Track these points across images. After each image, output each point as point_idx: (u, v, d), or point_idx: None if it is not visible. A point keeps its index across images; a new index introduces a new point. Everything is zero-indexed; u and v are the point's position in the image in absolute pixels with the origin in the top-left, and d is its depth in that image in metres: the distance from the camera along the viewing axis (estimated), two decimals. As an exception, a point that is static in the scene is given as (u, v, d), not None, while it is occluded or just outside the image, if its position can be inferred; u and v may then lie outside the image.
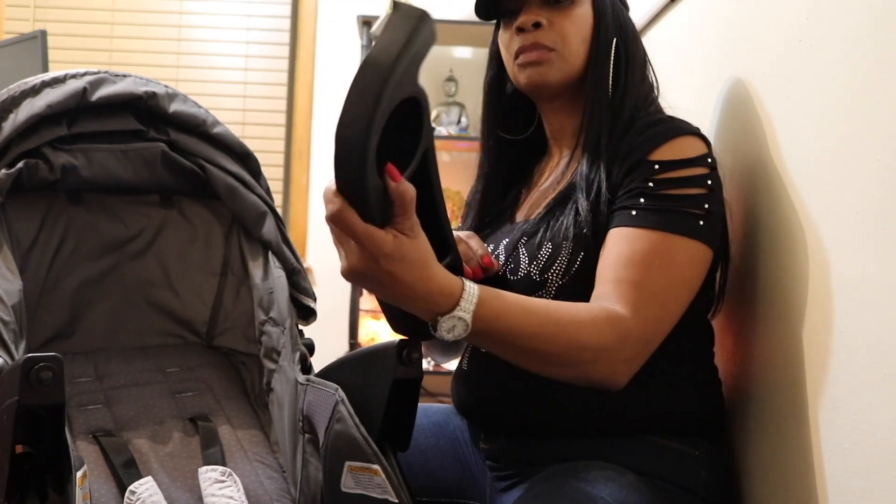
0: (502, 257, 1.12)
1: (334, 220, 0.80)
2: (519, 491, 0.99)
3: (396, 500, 0.93)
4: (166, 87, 1.22)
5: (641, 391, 1.03)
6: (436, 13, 3.88)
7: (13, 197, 1.14)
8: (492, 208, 1.24)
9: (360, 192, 0.79)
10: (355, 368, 1.05)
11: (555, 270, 1.04)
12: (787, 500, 1.05)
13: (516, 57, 1.15)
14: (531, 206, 1.18)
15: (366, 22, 3.36)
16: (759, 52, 1.21)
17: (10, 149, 1.11)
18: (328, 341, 1.94)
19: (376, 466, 0.94)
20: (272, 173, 3.58)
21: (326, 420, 1.02)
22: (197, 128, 1.22)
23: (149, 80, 1.21)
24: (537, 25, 1.12)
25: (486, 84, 1.24)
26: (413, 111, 0.83)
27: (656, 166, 1.02)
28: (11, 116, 1.11)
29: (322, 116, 3.62)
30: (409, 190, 0.81)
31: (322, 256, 3.64)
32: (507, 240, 1.14)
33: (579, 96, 1.14)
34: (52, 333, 1.22)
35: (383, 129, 0.77)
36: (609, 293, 0.97)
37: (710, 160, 1.05)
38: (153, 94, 1.19)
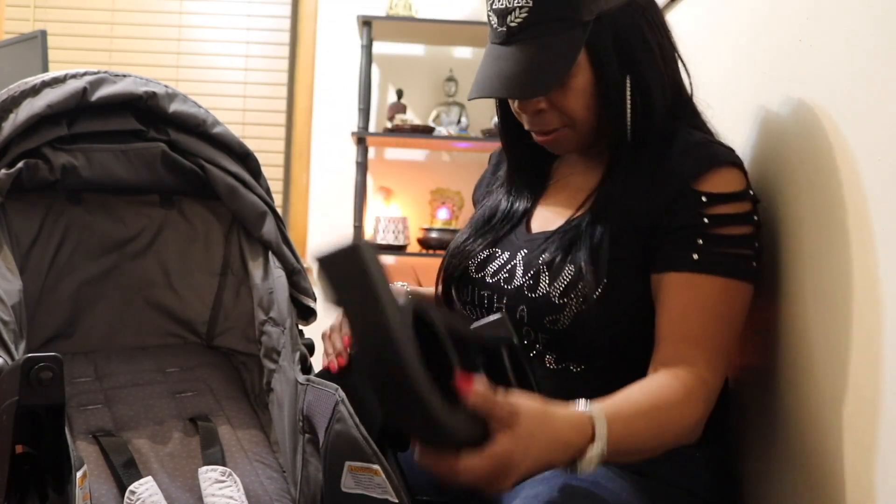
0: (520, 270, 1.07)
1: (464, 481, 0.74)
2: (520, 491, 0.99)
3: (396, 501, 0.93)
4: (166, 87, 1.22)
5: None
6: (436, 13, 3.89)
7: (13, 197, 1.14)
8: (502, 208, 1.17)
9: (447, 434, 0.71)
10: (355, 368, 1.05)
11: (576, 295, 1.00)
12: (784, 501, 1.05)
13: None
14: (551, 215, 1.13)
15: (366, 22, 3.36)
16: (760, 52, 1.21)
17: (10, 149, 1.11)
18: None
19: (376, 466, 0.94)
20: (272, 173, 3.58)
21: (326, 420, 1.02)
22: (197, 128, 1.22)
23: (149, 80, 1.21)
24: (540, 114, 1.05)
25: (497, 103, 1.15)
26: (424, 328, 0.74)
27: (703, 198, 0.99)
28: (11, 116, 1.11)
29: (322, 116, 3.62)
30: (487, 394, 0.74)
31: (322, 256, 3.63)
32: (525, 251, 1.09)
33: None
34: (52, 333, 1.22)
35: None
36: (691, 354, 0.97)
37: (751, 193, 1.03)
38: (153, 94, 1.19)
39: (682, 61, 1.12)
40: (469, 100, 1.11)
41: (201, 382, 1.26)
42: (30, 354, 0.77)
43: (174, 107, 1.21)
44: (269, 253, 1.25)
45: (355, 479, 0.97)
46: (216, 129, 1.24)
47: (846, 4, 0.96)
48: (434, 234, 3.41)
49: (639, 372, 1.01)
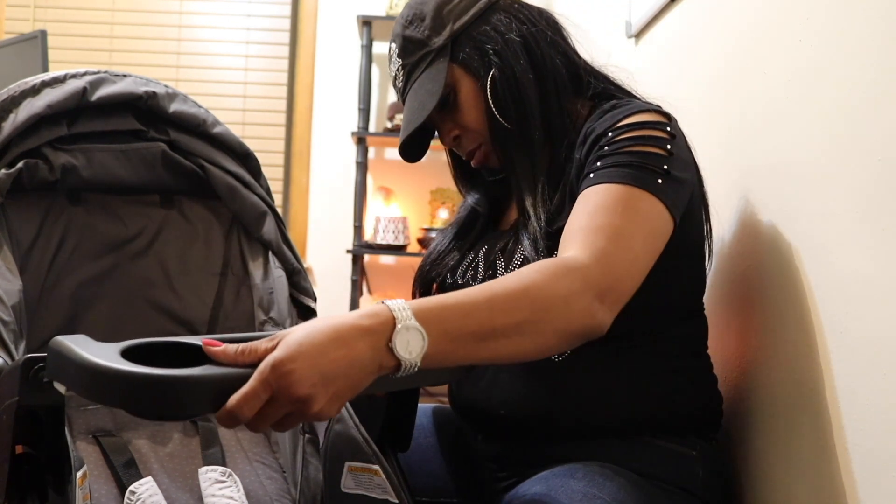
0: (482, 264, 1.11)
1: (248, 412, 0.70)
2: (518, 491, 0.99)
3: (396, 501, 0.93)
4: (166, 86, 1.22)
5: (636, 391, 1.03)
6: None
7: (13, 197, 1.14)
8: (473, 215, 1.22)
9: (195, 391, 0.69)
10: None
11: None
12: (788, 501, 1.05)
13: None
14: (514, 213, 1.16)
15: (366, 22, 3.36)
16: (760, 52, 1.21)
17: (9, 149, 1.11)
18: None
19: (376, 467, 0.94)
20: (272, 173, 3.58)
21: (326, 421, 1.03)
22: (197, 127, 1.22)
23: (149, 79, 1.21)
24: (457, 139, 1.14)
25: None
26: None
27: (609, 133, 1.01)
28: (11, 116, 1.11)
29: (322, 116, 3.62)
30: (236, 345, 0.73)
31: (322, 256, 3.64)
32: (486, 246, 1.13)
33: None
34: (51, 333, 1.21)
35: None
36: (566, 247, 0.92)
37: (669, 129, 1.02)
38: (153, 94, 1.19)
39: (566, 43, 1.16)
40: (409, 161, 1.19)
41: (201, 382, 1.25)
42: (30, 355, 0.77)
43: (174, 107, 1.21)
44: (270, 253, 1.25)
45: (355, 480, 0.97)
46: (216, 129, 1.24)
47: (846, 4, 0.96)
48: (434, 234, 3.42)
49: (629, 354, 1.01)
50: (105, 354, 0.70)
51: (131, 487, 1.04)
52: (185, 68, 3.62)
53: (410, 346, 0.75)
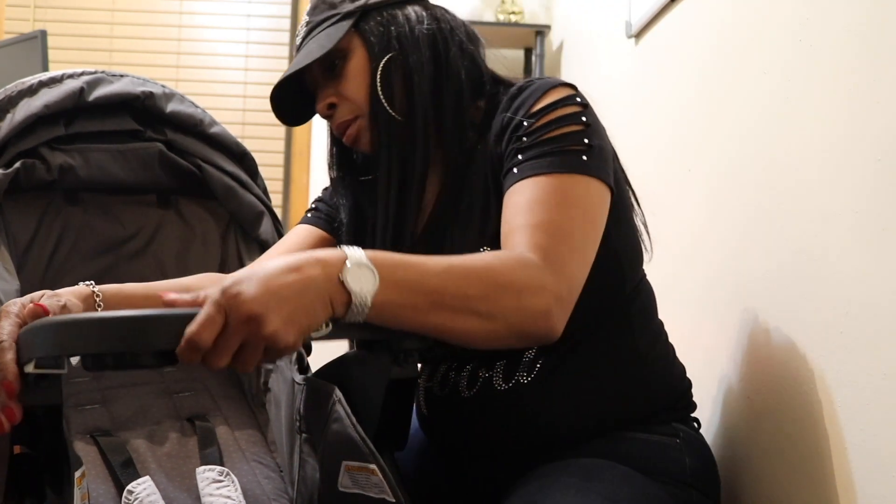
0: None
1: (203, 338, 0.69)
2: (513, 487, 0.99)
3: (393, 500, 0.92)
4: (163, 86, 1.22)
5: (603, 388, 1.01)
6: (436, 13, 3.81)
7: (10, 197, 1.14)
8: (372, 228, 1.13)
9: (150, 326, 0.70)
10: (352, 368, 1.05)
11: None
12: (785, 501, 1.05)
13: None
14: (427, 218, 1.11)
15: (366, 22, 3.36)
16: (760, 52, 1.20)
17: (7, 149, 1.11)
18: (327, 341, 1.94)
19: (373, 466, 0.94)
20: (272, 173, 3.58)
21: (324, 419, 1.02)
22: (194, 127, 1.22)
23: (146, 79, 1.21)
24: (332, 107, 1.09)
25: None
26: None
27: (525, 122, 0.99)
28: (9, 116, 1.11)
29: (322, 116, 3.62)
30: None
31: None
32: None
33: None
34: (49, 333, 1.21)
35: None
36: (510, 245, 0.90)
37: (578, 99, 1.01)
38: (150, 94, 1.19)
39: (476, 52, 1.13)
40: (278, 117, 1.15)
41: (198, 382, 1.25)
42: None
43: (171, 107, 1.21)
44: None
45: (352, 479, 0.97)
46: (213, 129, 1.24)
47: (846, 4, 0.96)
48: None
49: (587, 354, 0.99)
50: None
51: (129, 487, 1.04)
52: (185, 68, 3.62)
53: (362, 282, 0.75)
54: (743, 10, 1.29)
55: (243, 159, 1.27)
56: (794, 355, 1.03)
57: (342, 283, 0.75)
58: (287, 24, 3.68)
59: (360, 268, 0.76)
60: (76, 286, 0.90)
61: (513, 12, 3.11)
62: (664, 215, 1.56)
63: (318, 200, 1.23)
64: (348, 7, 1.09)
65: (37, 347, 0.73)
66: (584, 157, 0.95)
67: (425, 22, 1.09)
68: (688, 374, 1.11)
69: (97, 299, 0.90)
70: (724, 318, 1.27)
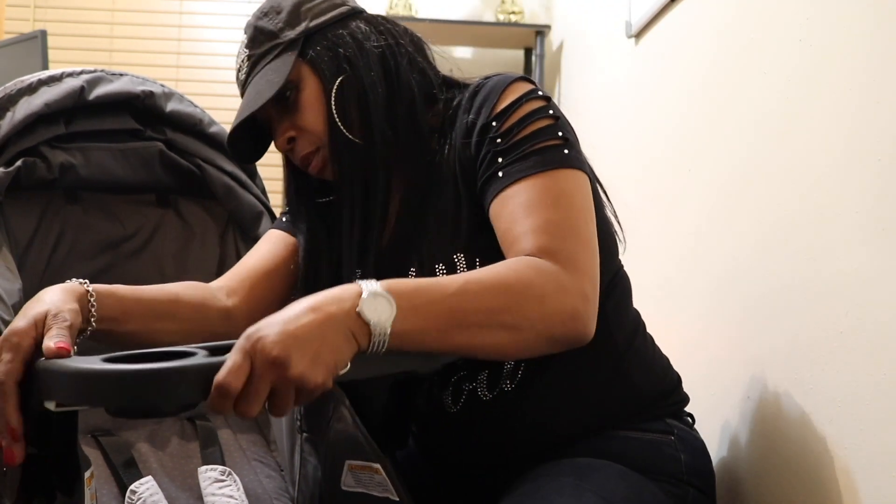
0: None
1: (232, 385, 0.70)
2: (509, 488, 0.98)
3: (397, 498, 0.93)
4: (162, 86, 1.22)
5: (588, 391, 1.01)
6: (436, 13, 3.88)
7: (10, 195, 1.14)
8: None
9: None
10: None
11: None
12: (785, 501, 1.05)
13: None
14: (392, 231, 1.09)
15: (366, 22, 3.36)
16: (760, 52, 1.21)
17: (7, 147, 1.11)
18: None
19: (377, 465, 0.94)
20: (272, 173, 3.57)
21: (325, 419, 1.02)
22: (193, 127, 1.23)
23: (145, 79, 1.21)
24: (291, 140, 1.05)
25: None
26: None
27: (494, 122, 0.98)
28: (9, 115, 1.11)
29: (322, 116, 3.62)
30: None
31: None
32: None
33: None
34: (49, 332, 1.21)
35: None
36: (516, 250, 0.90)
37: (540, 93, 1.00)
38: (150, 93, 1.19)
39: (425, 60, 1.10)
40: (234, 156, 1.11)
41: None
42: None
43: (171, 106, 1.21)
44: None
45: (356, 478, 0.97)
46: (213, 129, 1.24)
47: (846, 4, 0.96)
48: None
49: (577, 365, 0.98)
50: (90, 362, 0.72)
51: (132, 487, 1.04)
52: (185, 68, 3.62)
53: (379, 312, 0.76)
54: (744, 10, 1.29)
55: (242, 159, 1.27)
56: (794, 355, 1.03)
57: (360, 316, 0.75)
58: (287, 24, 3.68)
59: (376, 298, 0.76)
60: (69, 282, 0.90)
61: (513, 12, 3.11)
62: (664, 216, 1.56)
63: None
64: (290, 35, 1.05)
65: (60, 393, 0.73)
66: (566, 151, 0.95)
67: (372, 38, 1.06)
68: (687, 374, 1.11)
69: (90, 299, 0.90)
70: (723, 319, 1.27)
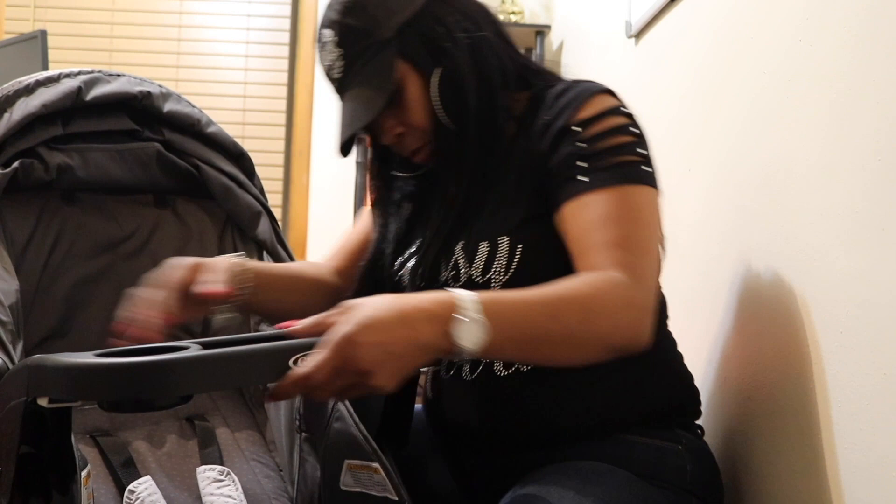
0: (443, 265, 1.06)
1: (320, 379, 0.76)
2: (512, 492, 0.98)
3: (396, 498, 0.93)
4: (160, 86, 1.22)
5: (605, 387, 1.01)
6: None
7: (7, 196, 1.13)
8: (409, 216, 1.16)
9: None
10: None
11: (496, 268, 1.01)
12: (785, 501, 1.05)
13: None
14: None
15: (366, 22, 3.35)
16: (759, 52, 1.20)
17: (4, 148, 1.11)
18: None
19: (376, 464, 0.94)
20: (272, 173, 3.57)
21: (324, 419, 1.02)
22: (191, 127, 1.22)
23: (143, 79, 1.21)
24: (400, 136, 1.09)
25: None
26: None
27: (577, 128, 1.00)
28: (6, 116, 1.11)
29: (322, 116, 3.62)
30: (311, 319, 0.81)
31: (322, 256, 3.63)
32: (436, 246, 1.08)
33: None
34: (46, 333, 1.21)
35: None
36: (594, 264, 0.93)
37: (623, 109, 1.03)
38: (148, 94, 1.19)
39: (507, 40, 1.12)
40: (343, 156, 1.14)
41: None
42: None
43: (168, 106, 1.21)
44: (264, 253, 1.25)
45: (354, 477, 0.97)
46: (210, 129, 1.24)
47: (846, 4, 0.96)
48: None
49: (605, 374, 0.99)
50: (82, 357, 0.72)
51: (130, 487, 1.04)
52: (185, 68, 3.62)
53: (473, 338, 0.80)
54: (742, 9, 1.29)
55: (240, 159, 1.27)
56: (794, 355, 1.03)
57: (451, 338, 0.80)
58: (287, 24, 3.68)
59: (475, 324, 0.80)
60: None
61: (513, 12, 3.11)
62: (663, 215, 1.56)
63: None
64: (385, 32, 1.05)
65: (52, 389, 0.73)
66: (644, 168, 0.99)
67: (459, 25, 1.07)
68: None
69: (235, 269, 1.02)
70: (723, 318, 1.27)
